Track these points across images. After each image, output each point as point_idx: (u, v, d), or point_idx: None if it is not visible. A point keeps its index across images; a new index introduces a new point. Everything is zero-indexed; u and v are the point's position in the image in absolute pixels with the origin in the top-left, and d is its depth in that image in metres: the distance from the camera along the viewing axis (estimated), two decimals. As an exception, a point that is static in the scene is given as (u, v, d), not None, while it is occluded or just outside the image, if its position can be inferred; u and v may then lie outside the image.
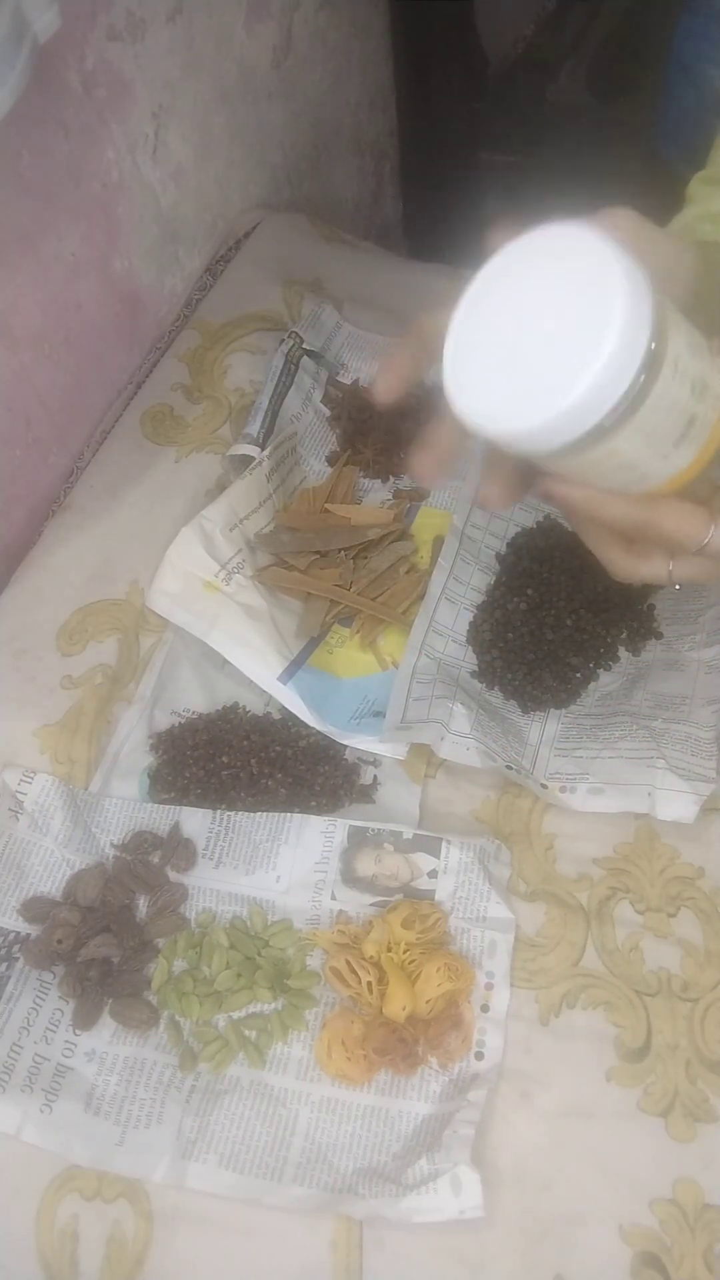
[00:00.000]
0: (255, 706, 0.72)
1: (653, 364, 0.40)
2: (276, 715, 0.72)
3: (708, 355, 0.44)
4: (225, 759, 0.67)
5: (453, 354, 0.42)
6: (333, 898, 0.62)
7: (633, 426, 0.41)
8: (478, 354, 0.42)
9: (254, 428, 0.84)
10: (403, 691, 0.69)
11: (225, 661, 0.72)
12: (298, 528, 0.80)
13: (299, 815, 0.65)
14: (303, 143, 1.20)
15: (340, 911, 0.62)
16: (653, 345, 0.39)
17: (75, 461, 0.89)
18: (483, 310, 0.42)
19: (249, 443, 0.83)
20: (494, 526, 0.80)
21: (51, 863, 0.64)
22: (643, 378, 0.40)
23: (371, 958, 0.59)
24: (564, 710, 0.70)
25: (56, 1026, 0.59)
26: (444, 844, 0.63)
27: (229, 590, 0.74)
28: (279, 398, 0.87)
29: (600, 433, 0.41)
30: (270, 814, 0.65)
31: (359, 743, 0.69)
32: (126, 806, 0.67)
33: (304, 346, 0.91)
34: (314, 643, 0.75)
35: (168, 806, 0.66)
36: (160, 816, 0.66)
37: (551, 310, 0.40)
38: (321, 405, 0.91)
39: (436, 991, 0.57)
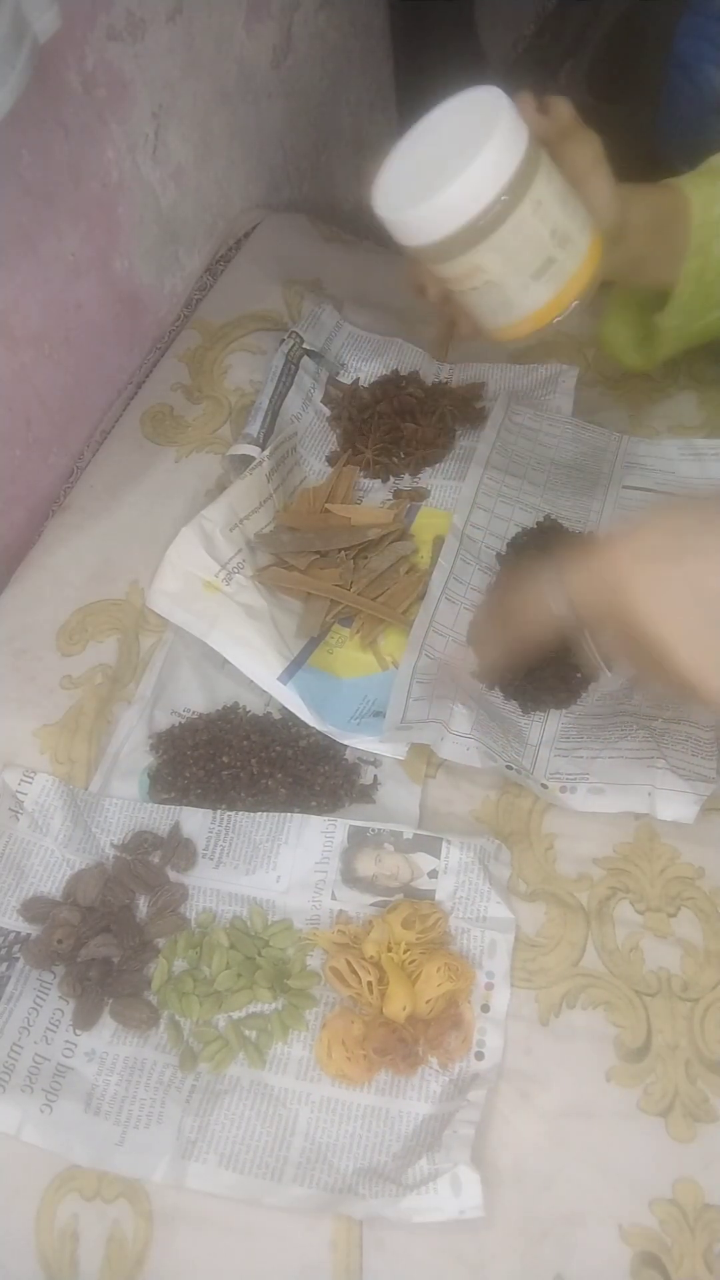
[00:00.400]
0: (255, 706, 0.72)
1: (514, 191, 0.53)
2: (277, 715, 0.72)
3: (579, 215, 0.56)
4: (225, 759, 0.67)
5: (382, 177, 0.57)
6: (333, 898, 0.62)
7: (493, 242, 0.53)
8: (396, 175, 0.56)
9: (254, 428, 0.84)
10: (403, 691, 0.69)
11: (225, 661, 0.72)
12: (298, 528, 0.80)
13: (299, 815, 0.65)
14: (303, 143, 1.20)
15: (340, 911, 0.62)
16: (514, 176, 0.52)
17: (75, 461, 0.89)
18: (407, 147, 0.57)
19: (249, 443, 0.83)
20: (494, 526, 0.80)
21: (51, 863, 0.64)
22: (504, 199, 0.52)
23: (371, 958, 0.59)
24: (564, 710, 0.70)
25: (56, 1026, 0.59)
26: (444, 844, 0.63)
27: (229, 590, 0.74)
28: (279, 398, 0.87)
29: (466, 238, 0.53)
30: (270, 814, 0.65)
31: (359, 743, 0.69)
32: (126, 806, 0.67)
33: (304, 346, 0.91)
34: (314, 643, 0.75)
35: (168, 806, 0.66)
36: (160, 816, 0.66)
37: (450, 143, 0.54)
38: (322, 405, 0.91)
39: (436, 991, 0.57)
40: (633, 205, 0.62)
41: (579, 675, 0.71)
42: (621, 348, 0.79)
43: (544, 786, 0.65)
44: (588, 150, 0.60)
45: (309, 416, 0.89)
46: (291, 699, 0.70)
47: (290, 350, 0.89)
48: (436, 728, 0.66)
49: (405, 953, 0.59)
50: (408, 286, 0.66)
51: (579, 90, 1.68)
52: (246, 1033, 0.58)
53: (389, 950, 0.59)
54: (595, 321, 0.80)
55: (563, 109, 0.60)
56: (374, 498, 0.85)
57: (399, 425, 0.87)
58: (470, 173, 0.51)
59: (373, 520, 0.80)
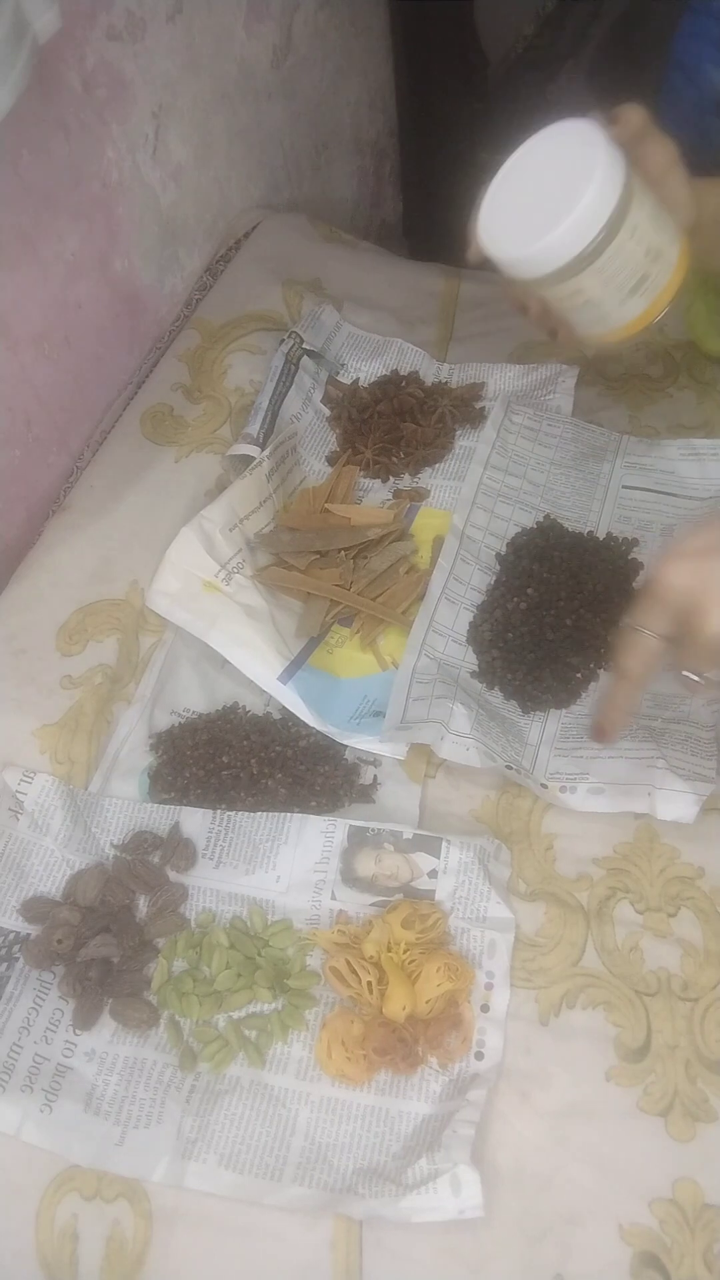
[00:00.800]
0: (255, 706, 0.72)
1: (613, 223, 0.56)
2: (276, 715, 0.72)
3: (668, 229, 0.60)
4: (225, 759, 0.67)
5: (484, 210, 0.60)
6: (333, 897, 0.62)
7: (595, 269, 0.58)
8: (498, 208, 0.60)
9: (254, 427, 0.84)
10: (403, 691, 0.69)
11: (225, 661, 0.72)
12: (298, 528, 0.80)
13: (299, 815, 0.65)
14: (303, 142, 1.20)
15: (340, 911, 0.62)
16: (615, 209, 0.56)
17: (75, 461, 0.89)
18: (506, 180, 0.60)
19: (249, 442, 0.83)
20: (494, 526, 0.80)
21: (51, 863, 0.64)
22: (603, 235, 0.56)
23: (371, 957, 0.59)
24: (564, 710, 0.70)
25: (56, 1026, 0.59)
26: (444, 844, 0.63)
27: (229, 590, 0.74)
28: (279, 398, 0.87)
29: (570, 269, 0.58)
30: (270, 814, 0.65)
31: (359, 742, 0.69)
32: (126, 806, 0.67)
33: (304, 346, 0.91)
34: (314, 643, 0.75)
35: (168, 806, 0.66)
36: (160, 816, 0.66)
37: (551, 180, 0.57)
38: (321, 405, 0.91)
39: (436, 991, 0.57)
40: (706, 199, 0.64)
41: (578, 675, 0.71)
42: (704, 333, 0.83)
43: (544, 786, 0.65)
44: (663, 153, 0.62)
45: (309, 416, 0.89)
46: (291, 699, 0.70)
47: (290, 350, 0.90)
48: (436, 728, 0.66)
49: (405, 953, 0.59)
50: (508, 303, 0.70)
51: (578, 90, 1.69)
52: (246, 1033, 0.58)
53: (389, 950, 0.59)
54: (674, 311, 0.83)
55: (635, 116, 0.61)
56: (374, 498, 0.85)
57: (399, 425, 0.87)
58: (575, 216, 0.55)
59: (372, 520, 0.80)
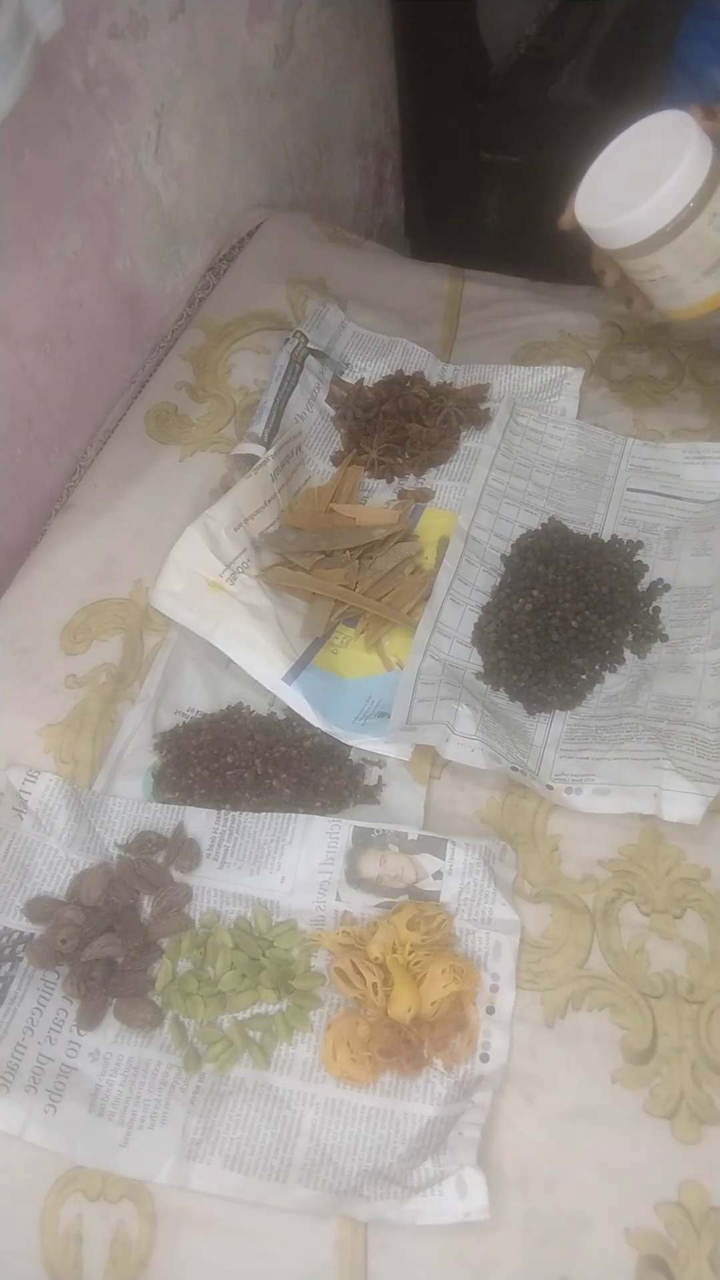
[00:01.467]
0: (260, 706, 0.72)
1: (695, 207, 0.63)
2: (281, 715, 0.71)
3: None
4: (230, 759, 0.67)
5: (584, 183, 0.68)
6: (337, 899, 0.62)
7: (673, 246, 0.65)
8: (596, 188, 0.68)
9: (259, 427, 0.84)
10: (407, 692, 0.69)
11: (229, 661, 0.72)
12: (303, 527, 0.80)
13: (303, 816, 0.65)
14: (305, 142, 1.20)
15: (345, 912, 0.62)
16: (698, 194, 0.63)
17: (78, 460, 0.88)
18: (604, 163, 0.68)
19: (254, 442, 0.83)
20: (499, 528, 0.80)
21: (55, 862, 0.64)
22: (684, 215, 0.63)
23: (376, 959, 0.58)
24: (569, 711, 0.70)
25: (60, 1027, 0.58)
26: (449, 845, 0.63)
27: (233, 590, 0.74)
28: (284, 397, 0.87)
29: (650, 244, 0.65)
30: (275, 814, 0.65)
31: (363, 743, 0.68)
32: (130, 806, 0.67)
33: (309, 346, 0.90)
34: (319, 643, 0.75)
35: (172, 806, 0.66)
36: (164, 816, 0.66)
37: (643, 162, 0.65)
38: (326, 405, 0.91)
39: (441, 993, 0.57)
40: None
41: (583, 677, 0.71)
42: None
43: (549, 788, 0.65)
44: None
45: (314, 416, 0.89)
46: (296, 699, 0.70)
47: (295, 350, 0.89)
48: (441, 729, 0.65)
49: (410, 954, 0.58)
50: (594, 268, 0.76)
51: (580, 90, 1.69)
52: (251, 1033, 0.58)
53: (394, 951, 0.59)
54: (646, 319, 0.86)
55: None
56: (379, 498, 0.85)
57: (404, 426, 0.87)
58: (658, 196, 0.63)
59: (378, 520, 0.80)
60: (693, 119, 0.64)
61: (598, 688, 0.71)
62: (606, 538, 0.79)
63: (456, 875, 0.62)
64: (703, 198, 0.63)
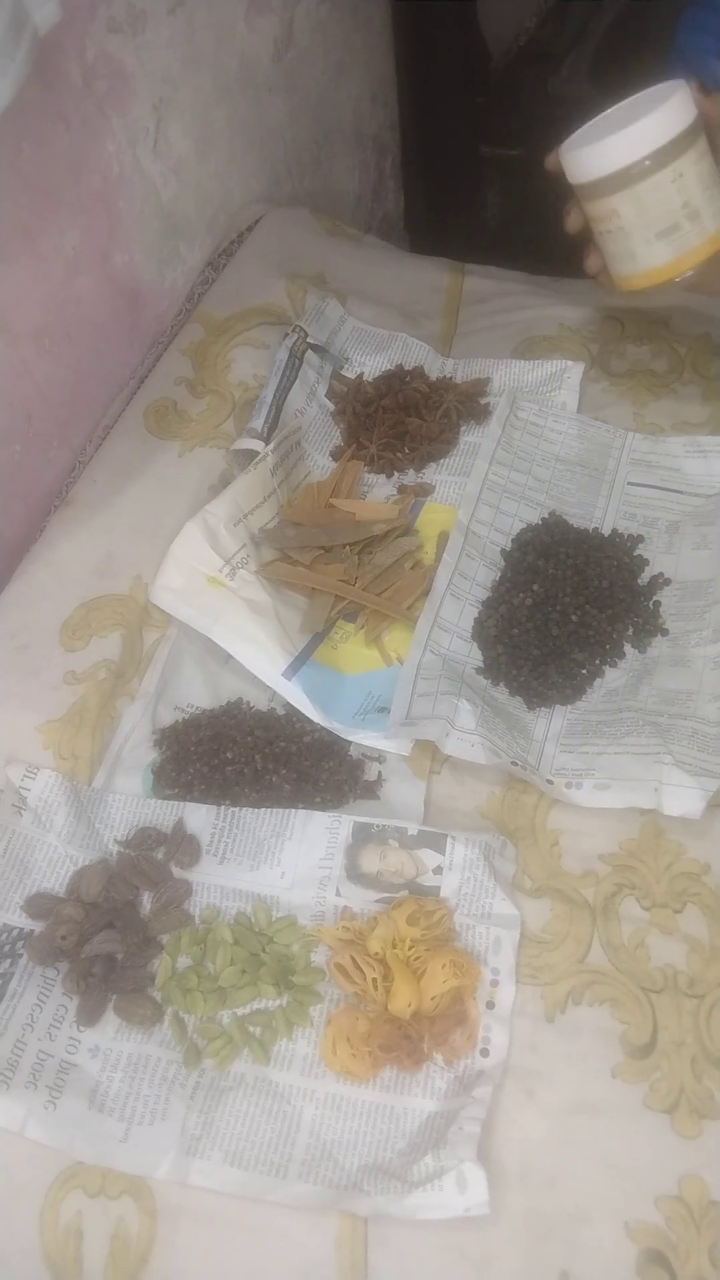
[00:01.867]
0: (259, 702, 0.72)
1: (659, 158, 0.64)
2: (281, 711, 0.71)
3: (715, 202, 0.66)
4: (229, 755, 0.67)
5: (570, 140, 0.69)
6: (337, 894, 0.62)
7: (633, 192, 0.65)
8: (583, 131, 0.69)
9: (258, 422, 0.84)
10: (407, 687, 0.69)
11: (229, 657, 0.72)
12: (302, 522, 0.79)
13: (303, 811, 0.65)
14: (304, 136, 1.20)
15: (345, 908, 0.62)
16: (664, 145, 0.63)
17: (77, 456, 0.88)
18: (600, 120, 0.68)
19: (253, 437, 0.83)
20: (499, 522, 0.80)
21: (55, 859, 0.64)
22: (648, 162, 0.64)
23: (376, 954, 0.58)
24: (570, 706, 0.70)
25: (60, 1023, 0.58)
26: (449, 840, 0.63)
27: (233, 585, 0.74)
28: (283, 392, 0.87)
29: (609, 184, 0.66)
30: (275, 810, 0.65)
31: (363, 738, 0.68)
32: (130, 802, 0.67)
33: (308, 341, 0.90)
34: (318, 638, 0.74)
35: (171, 802, 0.66)
36: (164, 812, 0.66)
37: (627, 112, 0.66)
38: (326, 400, 0.90)
39: (442, 988, 0.57)
40: None
41: (584, 671, 0.71)
42: None
43: (549, 782, 0.65)
44: None
45: (313, 411, 0.89)
46: (296, 695, 0.70)
47: (294, 344, 0.89)
48: (441, 724, 0.65)
49: (410, 949, 0.58)
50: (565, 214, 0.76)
51: (580, 83, 1.68)
52: (251, 1029, 0.58)
53: (394, 946, 0.58)
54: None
55: None
56: (378, 493, 0.85)
57: (403, 420, 0.87)
58: (625, 132, 0.64)
59: (377, 516, 0.80)
60: (685, 86, 0.65)
61: (598, 682, 0.71)
62: (607, 532, 0.79)
63: (456, 870, 0.62)
64: (670, 153, 0.64)
